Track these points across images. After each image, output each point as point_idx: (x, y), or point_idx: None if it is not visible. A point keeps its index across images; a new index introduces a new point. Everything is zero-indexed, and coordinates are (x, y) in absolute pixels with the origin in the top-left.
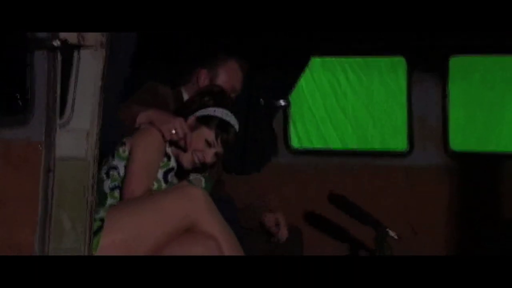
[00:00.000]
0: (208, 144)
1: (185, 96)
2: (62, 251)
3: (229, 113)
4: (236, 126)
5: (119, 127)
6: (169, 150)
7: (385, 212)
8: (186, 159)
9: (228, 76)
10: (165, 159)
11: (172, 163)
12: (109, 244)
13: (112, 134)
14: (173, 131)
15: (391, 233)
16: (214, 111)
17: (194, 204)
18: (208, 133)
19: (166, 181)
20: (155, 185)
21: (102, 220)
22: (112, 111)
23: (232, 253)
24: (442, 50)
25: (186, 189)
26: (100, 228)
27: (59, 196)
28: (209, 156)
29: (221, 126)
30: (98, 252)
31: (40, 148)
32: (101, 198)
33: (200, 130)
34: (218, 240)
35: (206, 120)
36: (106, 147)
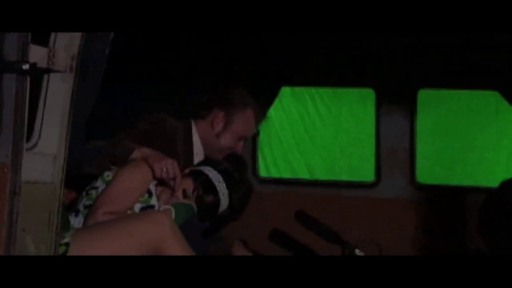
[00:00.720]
0: (185, 194)
1: (194, 132)
2: None
3: (222, 181)
4: (221, 197)
5: (86, 152)
6: (152, 188)
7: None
8: (163, 197)
9: (243, 125)
10: (146, 195)
11: (153, 201)
12: None
13: (79, 159)
14: (164, 169)
15: (358, 252)
16: (209, 170)
17: (160, 230)
18: (189, 184)
19: None
20: None
21: (67, 244)
22: (80, 135)
23: None
24: (411, 83)
25: (152, 214)
26: (65, 253)
27: (24, 219)
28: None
29: (206, 185)
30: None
31: (6, 171)
32: (66, 223)
33: (186, 179)
34: None
35: (196, 174)
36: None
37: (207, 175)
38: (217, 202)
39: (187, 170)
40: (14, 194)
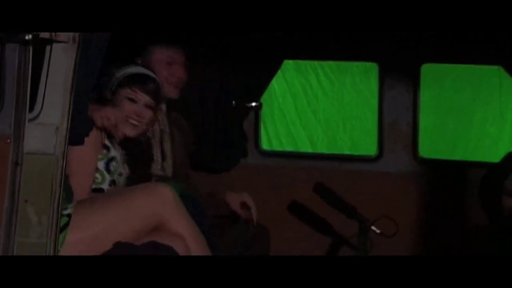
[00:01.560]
0: (132, 100)
1: None
2: (28, 245)
3: (141, 68)
4: (153, 75)
5: (88, 123)
6: (107, 142)
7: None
8: (127, 129)
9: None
10: (104, 151)
11: (112, 153)
12: (76, 240)
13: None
14: (101, 116)
15: (375, 229)
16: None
17: (163, 202)
18: (126, 93)
19: (108, 171)
20: (99, 178)
21: (69, 216)
22: (82, 106)
23: (199, 252)
24: (414, 57)
25: (155, 186)
26: (67, 224)
27: (26, 190)
28: (141, 111)
29: (136, 80)
30: (64, 248)
31: (8, 141)
32: (68, 194)
33: (120, 98)
34: (185, 239)
35: (121, 84)
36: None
37: (130, 73)
38: (157, 83)
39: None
40: (16, 165)
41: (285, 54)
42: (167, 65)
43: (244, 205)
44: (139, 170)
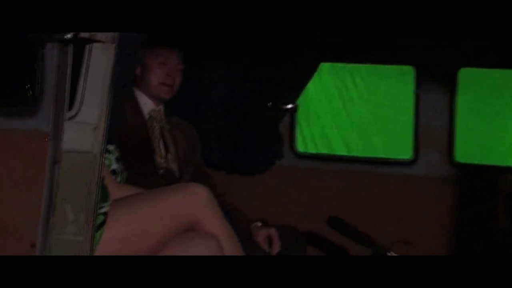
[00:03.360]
0: (161, 64)
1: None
2: (64, 243)
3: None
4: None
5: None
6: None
7: (385, 219)
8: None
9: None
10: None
11: (114, 166)
12: (111, 238)
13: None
14: None
15: (392, 254)
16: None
17: (197, 202)
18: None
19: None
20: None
21: (105, 214)
22: (119, 106)
23: (233, 252)
24: (452, 61)
25: (190, 186)
26: (103, 222)
27: (64, 188)
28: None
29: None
30: (99, 247)
31: (47, 140)
32: (104, 192)
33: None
34: (219, 239)
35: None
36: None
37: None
38: None
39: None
40: (55, 163)
41: (322, 56)
42: (160, 65)
43: (269, 239)
44: (143, 162)
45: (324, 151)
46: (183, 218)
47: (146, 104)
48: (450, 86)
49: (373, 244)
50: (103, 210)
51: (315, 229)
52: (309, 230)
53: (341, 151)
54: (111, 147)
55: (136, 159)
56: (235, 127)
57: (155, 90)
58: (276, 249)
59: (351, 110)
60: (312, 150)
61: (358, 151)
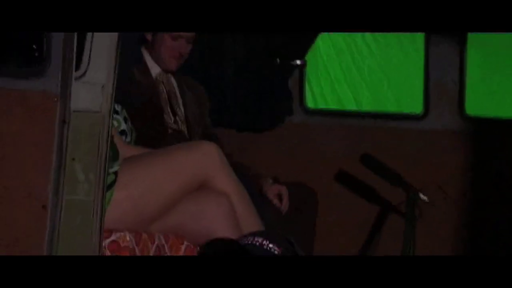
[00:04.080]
0: (173, 39)
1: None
2: (75, 203)
3: None
4: None
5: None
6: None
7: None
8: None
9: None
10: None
11: (123, 127)
12: (122, 198)
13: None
14: None
15: (422, 197)
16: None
17: (208, 159)
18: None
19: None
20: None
21: (115, 174)
22: (127, 65)
23: (244, 211)
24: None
25: (201, 144)
26: (113, 182)
27: (73, 148)
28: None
29: None
30: (110, 206)
31: (56, 99)
32: (114, 152)
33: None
34: (230, 197)
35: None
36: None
37: None
38: None
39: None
40: (64, 123)
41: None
42: (171, 39)
43: (279, 196)
44: (151, 123)
45: (334, 106)
46: (195, 176)
47: (153, 68)
48: (460, 39)
49: (404, 183)
50: (113, 170)
51: (325, 186)
52: (341, 169)
53: (351, 107)
54: (118, 107)
55: (144, 120)
56: (244, 84)
57: (163, 61)
58: (286, 206)
59: (360, 65)
60: (321, 106)
61: (368, 106)
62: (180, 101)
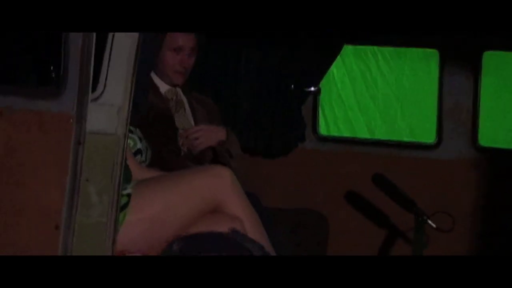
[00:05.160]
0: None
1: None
2: (89, 225)
3: None
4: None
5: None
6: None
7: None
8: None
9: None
10: (132, 143)
11: (139, 145)
12: (135, 220)
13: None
14: None
15: (431, 223)
16: None
17: (221, 184)
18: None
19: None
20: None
21: (129, 195)
22: (144, 87)
23: (256, 235)
24: (476, 44)
25: (214, 168)
26: (126, 204)
27: (88, 170)
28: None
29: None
30: (123, 228)
31: (71, 121)
32: (128, 174)
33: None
34: (242, 221)
35: None
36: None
37: None
38: None
39: None
40: (79, 144)
41: (345, 39)
42: (174, 53)
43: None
44: (165, 142)
45: (347, 134)
46: (208, 200)
47: (161, 86)
48: (474, 68)
49: (415, 208)
50: (126, 192)
51: (336, 212)
52: (352, 195)
53: (364, 134)
54: (132, 127)
55: (157, 139)
56: (258, 110)
57: (168, 76)
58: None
59: (374, 93)
60: (334, 133)
61: (381, 135)
62: (191, 117)
